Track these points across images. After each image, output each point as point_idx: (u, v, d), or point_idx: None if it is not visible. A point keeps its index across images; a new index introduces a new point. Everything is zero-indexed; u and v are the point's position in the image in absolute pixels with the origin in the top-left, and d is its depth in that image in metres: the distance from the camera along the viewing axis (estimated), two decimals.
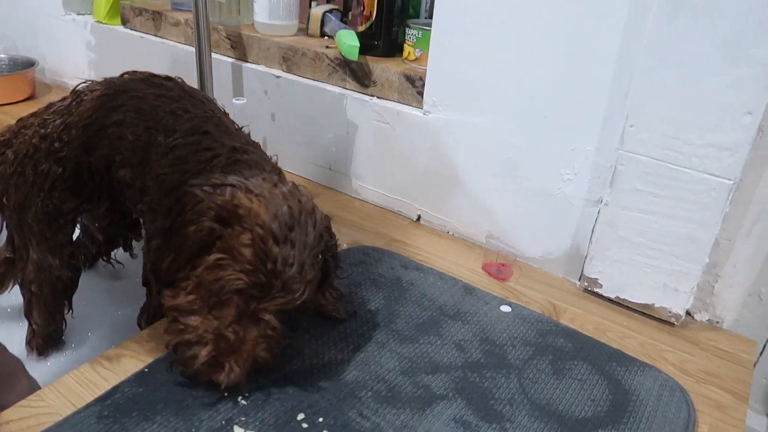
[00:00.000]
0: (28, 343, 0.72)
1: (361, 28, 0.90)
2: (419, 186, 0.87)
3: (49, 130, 0.67)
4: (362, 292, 0.69)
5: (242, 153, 0.60)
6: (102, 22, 1.21)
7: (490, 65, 0.74)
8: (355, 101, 0.88)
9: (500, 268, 0.78)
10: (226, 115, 0.69)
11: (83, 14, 1.26)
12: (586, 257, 0.73)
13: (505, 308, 0.69)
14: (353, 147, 0.91)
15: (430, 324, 0.64)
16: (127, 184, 0.66)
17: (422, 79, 0.81)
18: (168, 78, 0.72)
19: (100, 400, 0.52)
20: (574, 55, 0.68)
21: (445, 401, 0.54)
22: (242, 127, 0.67)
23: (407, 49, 0.87)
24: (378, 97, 0.87)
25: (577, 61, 0.68)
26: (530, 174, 0.76)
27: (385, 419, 0.52)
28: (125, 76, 0.70)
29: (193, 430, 0.49)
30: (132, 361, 0.57)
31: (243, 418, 0.51)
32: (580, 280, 0.75)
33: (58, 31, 1.28)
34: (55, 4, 1.26)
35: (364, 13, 0.88)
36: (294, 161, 1.00)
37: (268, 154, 0.65)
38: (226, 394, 0.52)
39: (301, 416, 0.51)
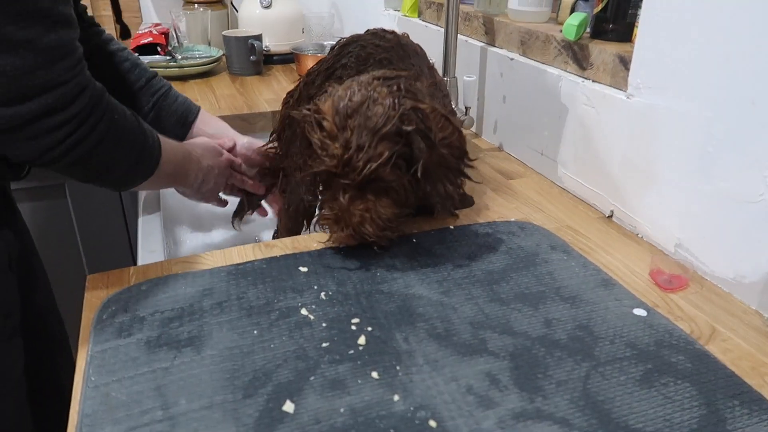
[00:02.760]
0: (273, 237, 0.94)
1: (596, 10, 0.86)
2: (615, 178, 0.79)
3: (309, 77, 0.86)
4: (490, 254, 0.68)
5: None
6: (406, 15, 1.41)
7: (696, 39, 0.63)
8: (569, 83, 0.85)
9: (671, 278, 0.66)
10: (432, 68, 0.78)
11: (396, 10, 1.49)
12: None
13: (639, 311, 0.59)
14: (562, 132, 0.88)
15: (533, 296, 0.61)
16: None
17: None
18: (392, 32, 0.84)
19: (236, 265, 0.67)
20: None
21: (491, 357, 0.52)
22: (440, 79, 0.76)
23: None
24: (592, 80, 0.82)
25: None
26: (728, 173, 0.62)
27: (423, 350, 0.53)
28: (367, 30, 0.85)
29: (275, 301, 0.60)
30: (274, 250, 0.71)
31: (313, 306, 0.59)
32: None
33: (377, 23, 1.55)
34: (379, 3, 1.52)
35: None
36: (516, 145, 1.02)
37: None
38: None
39: (356, 320, 0.56)
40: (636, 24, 0.79)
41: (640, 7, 0.79)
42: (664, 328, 0.57)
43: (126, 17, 1.76)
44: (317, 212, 0.69)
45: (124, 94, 0.88)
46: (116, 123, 0.65)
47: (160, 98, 0.91)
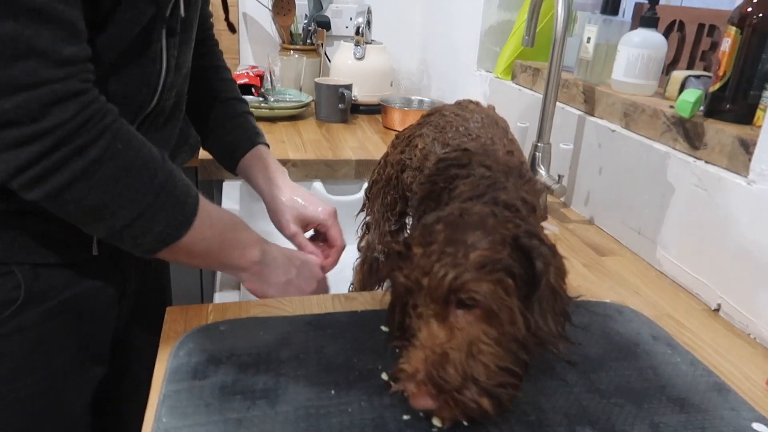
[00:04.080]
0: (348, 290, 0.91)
1: (712, 88, 0.81)
2: (726, 270, 0.72)
3: (396, 140, 0.85)
4: (583, 337, 0.63)
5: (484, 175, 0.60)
6: (498, 77, 1.40)
7: None
8: (677, 162, 0.80)
9: None
10: (512, 141, 0.74)
11: (489, 71, 1.49)
12: None
13: (760, 427, 0.52)
14: (666, 212, 0.83)
15: (636, 393, 0.55)
16: (408, 186, 0.78)
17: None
18: (475, 102, 0.82)
19: (315, 315, 0.64)
20: None
21: None
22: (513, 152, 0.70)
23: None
24: (705, 161, 0.77)
25: None
26: None
27: None
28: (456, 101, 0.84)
29: (354, 360, 0.56)
30: (354, 303, 0.68)
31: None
32: None
33: (469, 83, 1.55)
34: (472, 62, 1.52)
35: (719, 71, 0.80)
36: (609, 219, 0.96)
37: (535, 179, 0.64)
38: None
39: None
40: (759, 106, 0.74)
41: (765, 88, 0.74)
42: None
43: (225, 58, 1.84)
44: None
45: (203, 98, 0.82)
46: (119, 153, 0.51)
47: (237, 116, 0.85)
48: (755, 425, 0.52)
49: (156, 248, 0.57)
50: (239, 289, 0.80)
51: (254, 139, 0.84)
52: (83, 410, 0.68)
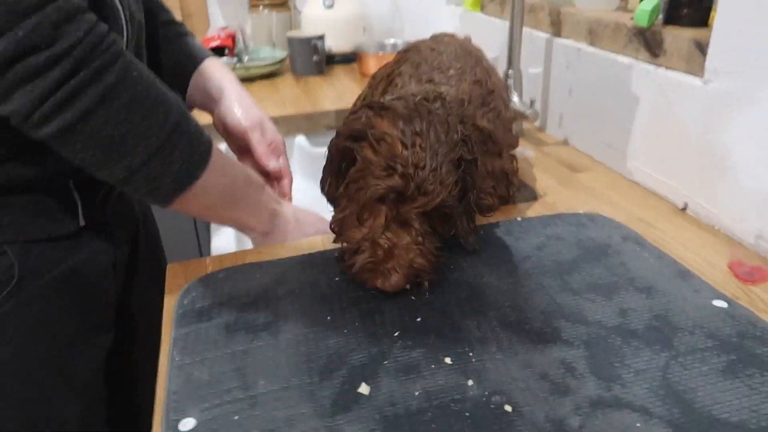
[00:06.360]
0: None
1: None
2: (690, 169, 0.76)
3: (373, 81, 0.87)
4: (559, 245, 0.67)
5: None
6: (468, 10, 1.41)
7: None
8: (640, 72, 0.83)
9: (752, 270, 0.63)
10: (486, 70, 0.76)
11: (458, 5, 1.49)
12: None
13: (719, 303, 0.57)
14: (633, 123, 0.86)
15: (607, 287, 0.60)
16: None
17: None
18: (450, 35, 0.84)
19: (306, 255, 0.68)
20: None
21: (565, 346, 0.52)
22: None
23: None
24: (665, 68, 0.80)
25: None
26: None
27: (495, 338, 0.53)
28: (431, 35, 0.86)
29: (347, 289, 0.61)
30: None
31: (384, 295, 0.59)
32: None
33: (439, 19, 1.55)
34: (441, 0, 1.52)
35: None
36: (582, 138, 1.00)
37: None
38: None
39: (419, 318, 0.57)
40: (713, 7, 0.76)
41: None
42: (746, 319, 0.54)
43: (194, 22, 1.83)
44: (348, 253, 0.59)
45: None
46: (135, 81, 0.51)
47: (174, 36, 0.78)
48: (715, 302, 0.57)
49: (172, 192, 0.56)
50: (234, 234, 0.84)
51: (196, 60, 0.78)
52: (94, 378, 0.69)
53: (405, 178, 0.54)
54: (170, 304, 0.63)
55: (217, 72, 0.79)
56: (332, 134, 0.62)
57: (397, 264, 0.55)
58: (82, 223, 0.65)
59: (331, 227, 0.62)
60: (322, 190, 0.64)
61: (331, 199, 0.64)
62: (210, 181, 0.58)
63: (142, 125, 0.51)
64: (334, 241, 0.63)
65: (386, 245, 0.56)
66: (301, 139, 1.29)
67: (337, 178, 0.61)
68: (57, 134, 0.49)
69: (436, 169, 0.53)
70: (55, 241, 0.64)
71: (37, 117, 0.48)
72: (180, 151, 0.54)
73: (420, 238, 0.56)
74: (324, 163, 0.64)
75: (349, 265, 0.59)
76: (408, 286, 0.58)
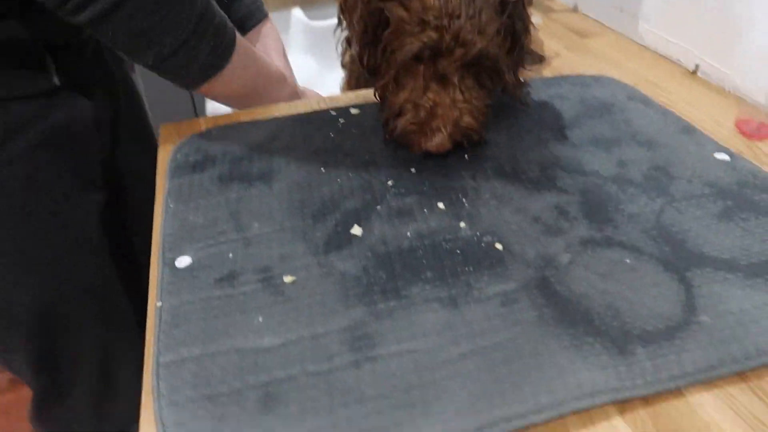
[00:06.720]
0: None
1: None
2: (704, 29, 0.72)
3: None
4: (561, 103, 0.65)
5: None
6: None
7: None
8: None
9: (760, 126, 0.62)
10: None
11: None
12: None
13: (721, 155, 0.56)
14: None
15: (607, 141, 0.58)
16: None
17: None
18: None
19: (302, 114, 0.67)
20: None
21: (560, 192, 0.51)
22: None
23: None
24: None
25: None
26: None
27: (490, 186, 0.52)
28: None
29: (342, 143, 0.60)
30: (339, 101, 0.70)
31: (379, 147, 0.58)
32: None
33: None
34: None
35: None
36: (591, 3, 0.94)
37: None
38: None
39: (414, 169, 0.56)
40: None
41: None
42: (748, 170, 0.54)
43: None
44: (391, 118, 0.55)
45: None
46: None
47: None
48: (717, 155, 0.56)
49: (199, 79, 0.60)
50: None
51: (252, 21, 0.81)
52: (93, 232, 0.72)
53: (438, 30, 0.49)
54: (164, 160, 0.62)
55: (269, 40, 0.82)
56: (332, 5, 0.57)
57: (442, 123, 0.52)
58: (56, 82, 0.64)
59: (375, 95, 0.59)
60: (361, 63, 0.59)
61: (371, 69, 0.58)
62: (235, 71, 0.61)
63: (168, 17, 0.54)
64: (380, 111, 0.59)
65: (428, 105, 0.52)
66: (297, 12, 1.22)
67: (375, 47, 0.56)
68: (89, 23, 0.52)
69: (474, 17, 0.48)
70: (32, 99, 0.63)
71: (70, 6, 0.51)
72: (207, 41, 0.57)
73: (464, 95, 0.52)
74: (335, 34, 0.62)
75: (392, 129, 0.55)
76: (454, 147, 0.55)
